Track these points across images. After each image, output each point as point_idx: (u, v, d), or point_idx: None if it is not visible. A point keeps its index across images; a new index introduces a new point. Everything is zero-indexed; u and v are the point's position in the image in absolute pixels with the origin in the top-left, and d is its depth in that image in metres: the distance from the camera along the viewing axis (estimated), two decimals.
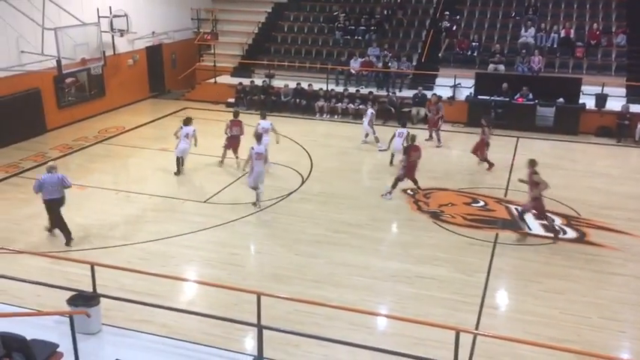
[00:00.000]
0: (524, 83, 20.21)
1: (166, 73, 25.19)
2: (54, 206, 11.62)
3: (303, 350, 8.45)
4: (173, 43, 25.25)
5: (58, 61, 17.41)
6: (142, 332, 8.61)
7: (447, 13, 23.85)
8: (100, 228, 12.46)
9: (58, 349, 7.41)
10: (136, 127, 20.11)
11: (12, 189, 14.49)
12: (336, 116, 21.43)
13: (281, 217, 13.15)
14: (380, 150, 17.51)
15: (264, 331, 7.95)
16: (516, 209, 13.22)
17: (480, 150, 16.07)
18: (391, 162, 16.16)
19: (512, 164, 16.45)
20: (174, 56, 25.50)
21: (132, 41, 22.57)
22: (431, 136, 18.63)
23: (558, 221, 12.94)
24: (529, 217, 12.88)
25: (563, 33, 22.32)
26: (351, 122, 20.64)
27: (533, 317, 9.45)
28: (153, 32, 23.72)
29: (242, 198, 13.92)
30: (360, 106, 20.51)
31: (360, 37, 24.17)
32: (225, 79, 24.02)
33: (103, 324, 8.53)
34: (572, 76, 20.82)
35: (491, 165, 16.01)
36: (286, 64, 23.60)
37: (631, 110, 19.04)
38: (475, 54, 22.44)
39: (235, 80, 23.31)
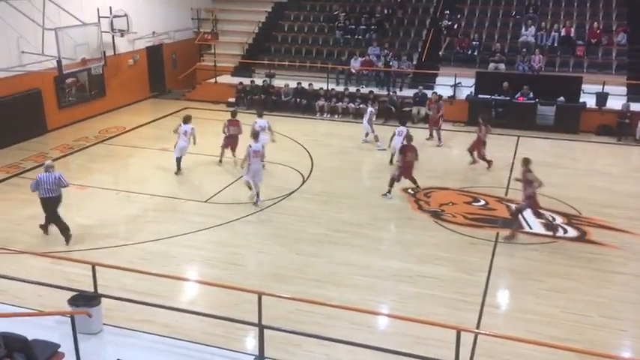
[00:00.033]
0: (525, 82, 20.20)
1: (167, 73, 25.19)
2: (50, 204, 11.65)
3: (305, 350, 8.45)
4: (173, 43, 25.25)
5: (59, 62, 17.39)
6: (143, 332, 8.62)
7: (447, 12, 23.85)
8: (100, 228, 12.46)
9: (60, 350, 7.41)
10: (137, 127, 20.11)
11: (13, 189, 14.50)
12: (336, 116, 21.43)
13: (282, 216, 13.15)
14: (378, 149, 17.52)
15: (265, 330, 7.96)
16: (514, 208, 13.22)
17: (477, 148, 16.03)
18: (391, 161, 16.15)
19: (512, 163, 16.42)
20: (175, 56, 25.51)
21: (132, 41, 22.57)
22: (431, 135, 18.63)
23: (559, 219, 12.94)
24: (529, 216, 12.89)
25: (563, 32, 22.29)
26: (351, 121, 20.64)
27: (534, 316, 9.45)
28: (153, 32, 23.72)
29: (242, 198, 13.93)
30: (361, 106, 20.50)
31: (360, 37, 24.16)
32: (226, 78, 24.02)
33: (104, 324, 8.54)
34: (572, 74, 20.81)
35: (489, 163, 15.98)
36: (287, 63, 23.58)
37: (631, 109, 19.01)
38: (475, 53, 22.42)
39: (236, 80, 23.31)
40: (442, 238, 12.18)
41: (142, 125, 20.39)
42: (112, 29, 20.89)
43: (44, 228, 12.01)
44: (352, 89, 21.80)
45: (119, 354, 7.88)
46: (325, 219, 12.99)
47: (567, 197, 14.03)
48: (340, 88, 22.04)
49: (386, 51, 22.71)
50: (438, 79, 22.00)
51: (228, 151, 16.09)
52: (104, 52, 19.76)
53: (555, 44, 22.22)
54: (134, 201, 14.03)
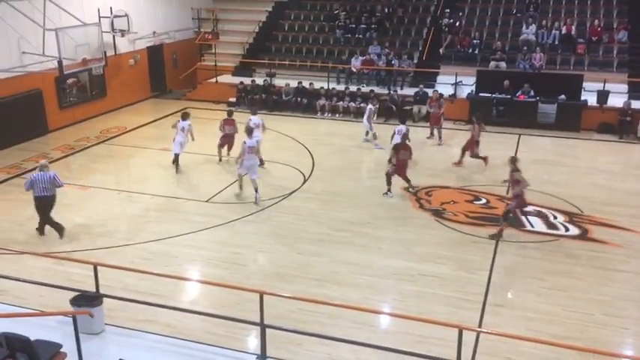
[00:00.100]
0: (526, 80, 20.18)
1: (167, 73, 25.20)
2: (45, 204, 11.70)
3: (306, 349, 8.45)
4: (174, 43, 25.25)
5: (59, 62, 17.40)
6: (145, 332, 8.63)
7: (448, 10, 23.84)
8: (102, 228, 12.48)
9: (62, 350, 7.42)
10: (138, 127, 20.12)
11: (14, 190, 14.50)
12: (337, 115, 21.42)
13: (283, 215, 13.15)
14: (376, 148, 17.52)
15: (267, 329, 7.97)
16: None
17: (470, 148, 15.98)
18: (390, 160, 16.13)
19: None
20: (175, 56, 25.51)
21: (133, 41, 22.58)
22: (432, 133, 18.62)
23: (561, 218, 12.94)
24: (530, 214, 12.92)
25: (564, 30, 22.26)
26: (352, 121, 20.63)
27: (535, 314, 9.45)
28: (154, 32, 23.73)
29: (243, 197, 13.93)
30: (362, 105, 20.50)
31: (360, 36, 24.15)
32: (227, 78, 24.02)
33: (106, 324, 8.55)
34: (573, 72, 20.79)
35: (485, 159, 15.93)
36: (287, 62, 23.57)
37: (633, 107, 19.00)
38: (476, 51, 22.41)
39: (236, 79, 23.31)
40: (443, 237, 12.17)
41: (142, 125, 20.40)
42: (113, 29, 20.90)
43: (40, 230, 12.04)
44: (353, 88, 21.78)
45: (121, 354, 7.88)
46: (326, 218, 12.99)
47: (569, 195, 14.02)
48: (341, 87, 22.04)
49: (387, 50, 22.70)
50: (439, 78, 21.99)
51: (224, 150, 16.21)
52: (105, 53, 19.76)
53: (556, 42, 22.19)
54: (135, 201, 14.05)
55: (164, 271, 10.03)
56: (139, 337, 8.51)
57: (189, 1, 25.71)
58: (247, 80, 22.90)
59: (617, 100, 19.46)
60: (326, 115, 21.50)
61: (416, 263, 11.05)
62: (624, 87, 20.29)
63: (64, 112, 19.93)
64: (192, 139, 15.69)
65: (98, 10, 20.17)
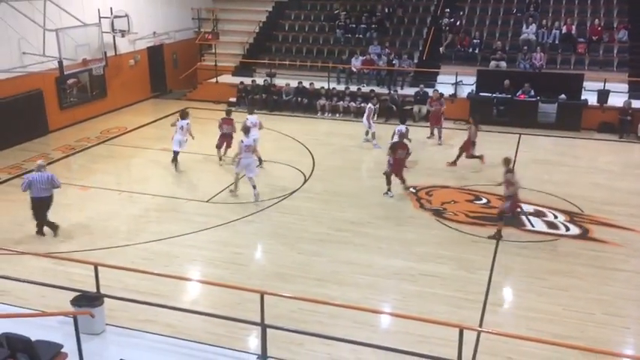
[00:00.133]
0: (526, 80, 20.17)
1: (168, 73, 25.20)
2: (42, 205, 11.71)
3: (307, 349, 8.45)
4: (174, 43, 25.26)
5: (60, 62, 17.43)
6: (146, 332, 8.64)
7: (448, 10, 23.84)
8: (102, 228, 12.48)
9: (63, 350, 7.43)
10: (138, 128, 20.13)
11: (15, 190, 14.43)
12: (337, 115, 21.42)
13: (283, 215, 13.15)
14: (375, 147, 17.53)
15: (268, 329, 7.98)
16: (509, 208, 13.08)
17: (466, 149, 15.96)
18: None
19: (514, 161, 16.38)
20: (176, 56, 25.52)
21: (133, 41, 22.58)
22: (432, 133, 18.62)
23: (562, 217, 12.94)
24: (531, 215, 12.93)
25: (564, 29, 22.26)
26: (352, 120, 20.62)
27: (536, 314, 9.45)
28: (154, 32, 23.73)
29: (244, 197, 13.94)
30: (362, 105, 20.50)
31: (360, 36, 24.15)
32: (227, 78, 24.02)
33: (107, 324, 8.56)
34: (574, 72, 20.78)
35: (481, 158, 15.90)
36: (287, 62, 23.56)
37: (633, 106, 18.99)
38: (476, 51, 22.41)
39: (237, 79, 23.32)
40: (444, 237, 12.18)
41: (143, 125, 20.40)
42: (113, 30, 20.91)
43: (39, 232, 12.05)
44: (353, 88, 21.79)
45: (122, 354, 7.89)
46: (327, 218, 13.00)
47: (569, 195, 14.02)
48: (341, 87, 22.03)
49: (387, 50, 22.70)
50: (439, 78, 21.99)
51: (223, 149, 16.25)
52: (105, 53, 19.77)
53: (556, 42, 22.19)
54: (136, 201, 14.05)
55: (165, 272, 10.03)
56: (140, 337, 8.51)
57: (190, 1, 25.72)
58: (247, 80, 22.90)
59: (617, 100, 19.45)
60: (326, 115, 21.50)
61: (416, 263, 11.05)
62: (624, 86, 20.29)
63: (65, 112, 19.94)
64: (192, 138, 15.83)
65: (98, 10, 20.17)
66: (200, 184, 15.23)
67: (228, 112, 16.63)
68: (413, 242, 11.93)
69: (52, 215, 12.18)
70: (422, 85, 20.93)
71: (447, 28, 23.14)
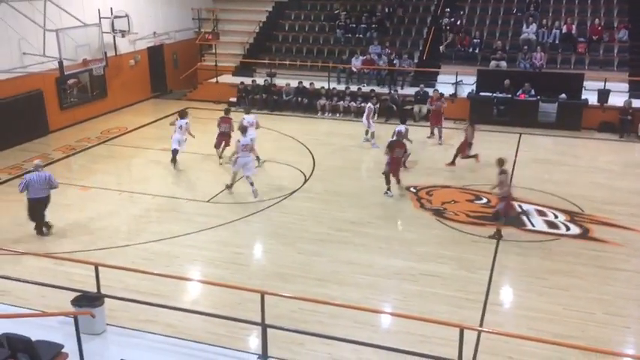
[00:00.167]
0: (527, 79, 20.17)
1: (168, 73, 25.20)
2: (39, 205, 11.71)
3: (308, 349, 8.45)
4: (174, 43, 25.26)
5: (60, 63, 17.45)
6: (146, 332, 8.64)
7: (448, 9, 23.84)
8: (103, 228, 12.48)
9: (63, 350, 7.43)
10: (139, 128, 20.13)
11: (15, 190, 14.42)
12: (337, 114, 21.42)
13: (284, 215, 13.15)
14: (373, 147, 17.53)
15: (269, 329, 7.98)
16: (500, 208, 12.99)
17: (463, 150, 15.95)
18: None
19: (514, 161, 16.42)
20: (176, 56, 25.52)
21: (133, 42, 22.58)
22: (432, 133, 18.62)
23: (562, 217, 12.93)
24: (532, 214, 12.91)
25: (564, 29, 22.25)
26: (353, 120, 20.61)
27: (537, 314, 9.45)
28: (154, 32, 23.74)
29: (244, 197, 13.94)
30: (362, 104, 20.50)
31: (361, 35, 24.15)
32: (227, 78, 24.03)
33: (108, 324, 8.56)
34: (574, 71, 20.78)
35: (476, 157, 15.89)
36: (288, 62, 23.57)
37: (633, 105, 18.99)
38: (477, 51, 22.41)
39: (237, 79, 23.32)
40: (444, 237, 12.17)
41: (143, 125, 20.40)
42: (113, 30, 20.92)
43: (39, 232, 12.05)
44: (353, 88, 21.78)
45: (123, 354, 7.90)
46: (327, 218, 12.99)
47: (569, 194, 14.02)
48: (341, 87, 22.03)
49: (388, 50, 22.69)
50: (440, 77, 21.99)
51: (221, 149, 16.30)
52: (105, 53, 19.79)
53: (556, 41, 22.19)
54: (136, 201, 14.05)
55: (165, 272, 10.03)
56: (141, 337, 8.51)
57: (190, 1, 25.72)
58: (248, 80, 22.91)
59: (617, 99, 19.44)
60: (326, 114, 21.50)
61: (417, 263, 11.05)
62: (625, 86, 20.28)
63: (65, 112, 19.94)
64: (193, 136, 16.00)
65: (98, 10, 20.18)
66: (200, 184, 15.23)
67: (227, 111, 16.76)
68: (413, 242, 11.93)
69: (52, 215, 12.20)
70: (422, 85, 20.93)
71: (447, 27, 23.16)
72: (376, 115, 18.52)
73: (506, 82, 20.12)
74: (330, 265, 10.97)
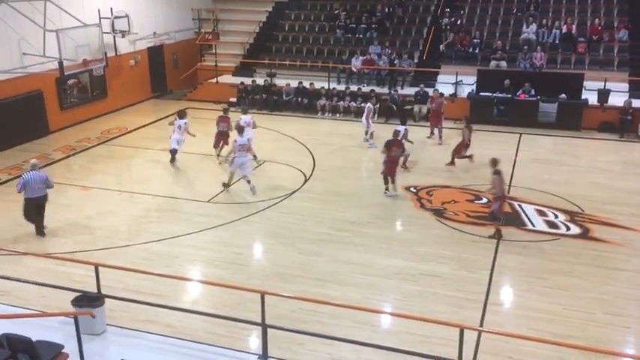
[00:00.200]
0: (527, 79, 20.17)
1: (168, 74, 25.21)
2: (37, 205, 11.72)
3: (308, 349, 8.45)
4: (174, 44, 25.27)
5: (60, 63, 17.45)
6: (146, 332, 8.65)
7: (448, 9, 23.84)
8: (103, 229, 12.48)
9: (63, 350, 7.43)
10: (139, 128, 20.13)
11: (15, 190, 14.48)
12: (337, 115, 21.42)
13: (284, 215, 13.15)
14: (370, 147, 17.53)
15: (269, 329, 7.98)
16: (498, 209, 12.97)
17: (459, 151, 15.93)
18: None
19: (514, 160, 16.42)
20: (176, 56, 25.52)
21: (133, 42, 22.59)
22: (432, 133, 18.62)
23: (562, 217, 12.93)
24: (532, 214, 12.91)
25: (564, 29, 22.25)
26: (353, 120, 20.60)
27: (537, 313, 9.45)
28: (154, 33, 23.74)
29: (244, 197, 13.94)
30: (362, 104, 20.49)
31: (361, 35, 24.14)
32: (227, 78, 24.03)
33: (108, 324, 8.56)
34: (574, 71, 20.78)
35: (470, 157, 15.87)
36: (288, 63, 23.57)
37: (633, 105, 18.99)
38: (477, 51, 22.41)
39: (237, 80, 23.32)
40: (444, 237, 12.17)
41: (143, 126, 20.41)
42: (113, 30, 20.93)
43: (39, 232, 12.04)
44: (353, 88, 21.79)
45: (123, 354, 7.90)
46: (327, 218, 12.99)
47: (569, 194, 14.02)
48: (341, 87, 22.03)
49: (388, 50, 22.70)
50: (440, 77, 21.99)
51: (222, 148, 16.33)
52: (105, 53, 19.79)
53: (556, 41, 22.19)
54: (136, 201, 14.05)
55: (165, 272, 10.03)
56: (141, 337, 8.52)
57: (190, 1, 25.73)
58: (248, 80, 22.91)
59: (617, 99, 19.45)
60: (326, 115, 21.50)
61: (417, 263, 11.05)
62: (625, 86, 20.28)
63: (65, 112, 19.94)
64: (193, 136, 16.08)
65: (98, 10, 20.18)
66: (200, 185, 15.23)
67: (226, 110, 16.86)
68: (413, 242, 11.93)
69: (52, 215, 12.22)
70: (422, 85, 20.93)
71: (447, 27, 23.15)
72: (376, 115, 18.54)
73: (507, 82, 20.12)
74: (330, 265, 10.97)
